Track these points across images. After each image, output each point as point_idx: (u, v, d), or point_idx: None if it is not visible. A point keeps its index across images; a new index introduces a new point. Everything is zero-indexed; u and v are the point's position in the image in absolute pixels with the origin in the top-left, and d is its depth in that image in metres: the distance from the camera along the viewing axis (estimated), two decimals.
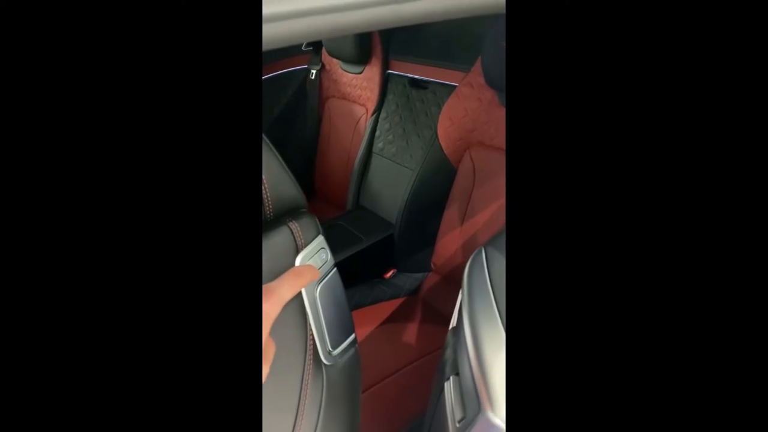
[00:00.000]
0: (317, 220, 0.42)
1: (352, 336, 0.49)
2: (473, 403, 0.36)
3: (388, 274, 1.06)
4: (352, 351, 0.49)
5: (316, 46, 1.25)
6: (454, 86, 0.93)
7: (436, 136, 0.93)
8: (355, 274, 1.00)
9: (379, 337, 0.87)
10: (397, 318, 0.94)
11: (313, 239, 0.41)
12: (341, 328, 0.46)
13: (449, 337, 0.46)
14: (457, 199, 0.95)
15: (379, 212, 1.12)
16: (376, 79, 1.10)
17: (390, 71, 1.09)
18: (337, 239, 1.03)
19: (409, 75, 1.05)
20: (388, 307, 0.97)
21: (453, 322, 0.47)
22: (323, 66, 1.25)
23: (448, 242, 0.98)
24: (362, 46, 1.07)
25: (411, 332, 0.89)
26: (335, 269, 0.45)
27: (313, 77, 1.27)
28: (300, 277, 0.33)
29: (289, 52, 1.29)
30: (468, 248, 0.94)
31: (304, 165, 1.35)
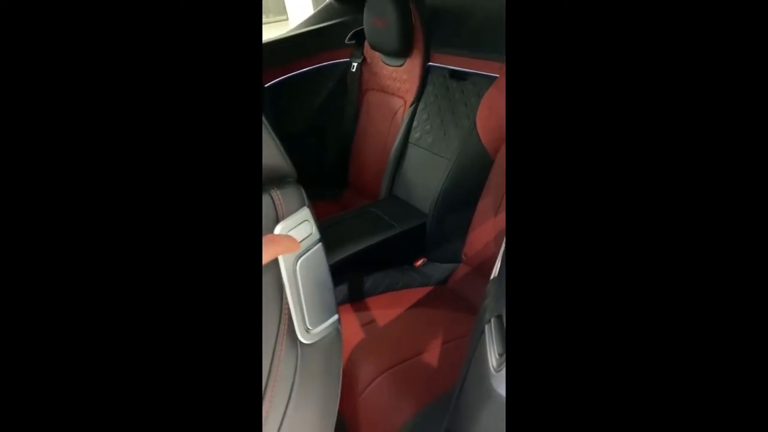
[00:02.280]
0: (303, 191, 0.41)
1: (335, 317, 0.47)
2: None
3: (419, 263, 1.07)
4: (332, 332, 0.47)
5: (359, 39, 1.29)
6: (495, 77, 0.94)
7: (475, 126, 0.93)
8: (386, 260, 1.01)
9: (407, 320, 0.88)
10: (425, 304, 0.94)
11: (297, 210, 0.40)
12: (322, 306, 0.44)
13: (490, 286, 0.46)
14: (492, 190, 0.95)
15: (412, 201, 1.13)
16: (417, 71, 1.12)
17: (430, 63, 1.11)
18: (369, 225, 1.05)
19: (449, 66, 1.06)
20: (417, 294, 0.97)
21: (495, 272, 0.47)
22: (364, 59, 1.28)
23: (480, 233, 0.98)
24: (404, 39, 1.09)
25: (439, 318, 0.89)
26: (320, 245, 0.43)
27: (354, 70, 1.30)
28: (274, 245, 0.31)
29: (332, 44, 1.33)
30: (501, 240, 0.93)
31: (340, 156, 1.38)
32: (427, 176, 1.09)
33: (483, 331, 0.40)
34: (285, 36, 1.37)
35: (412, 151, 1.15)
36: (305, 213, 0.41)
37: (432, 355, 0.78)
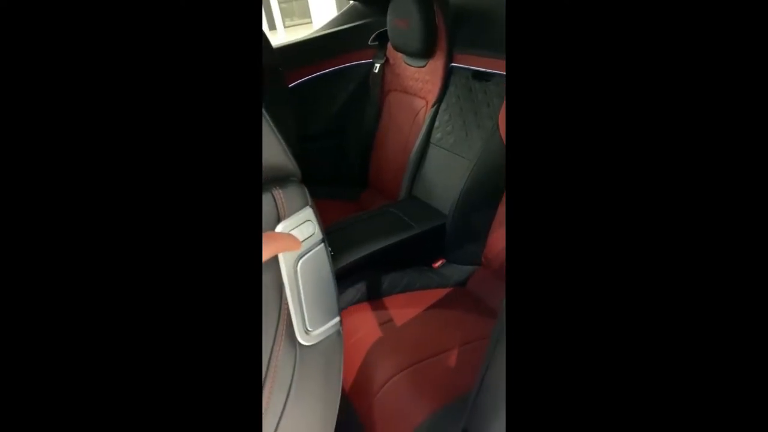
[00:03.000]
0: (307, 191, 0.41)
1: (336, 319, 0.46)
2: None
3: (437, 264, 1.06)
4: (333, 334, 0.46)
5: (382, 40, 1.30)
6: None
7: (497, 127, 0.93)
8: (404, 260, 1.01)
9: (425, 320, 0.87)
10: (443, 305, 0.93)
11: (299, 210, 0.40)
12: (324, 308, 0.44)
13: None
14: None
15: (432, 202, 1.13)
16: (439, 72, 1.12)
17: (453, 64, 1.11)
18: (387, 225, 1.05)
19: (472, 67, 1.06)
20: (435, 295, 0.97)
21: None
22: (387, 60, 1.29)
23: (501, 235, 0.97)
24: (427, 39, 1.09)
25: (457, 319, 0.88)
26: (322, 245, 0.42)
27: (376, 71, 1.31)
28: (275, 242, 0.31)
29: (355, 46, 1.34)
30: None
31: (361, 157, 1.39)
32: (447, 177, 1.08)
33: (502, 333, 0.40)
34: (308, 37, 1.39)
35: (433, 152, 1.14)
36: (308, 213, 0.41)
37: (450, 356, 0.78)
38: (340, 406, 0.83)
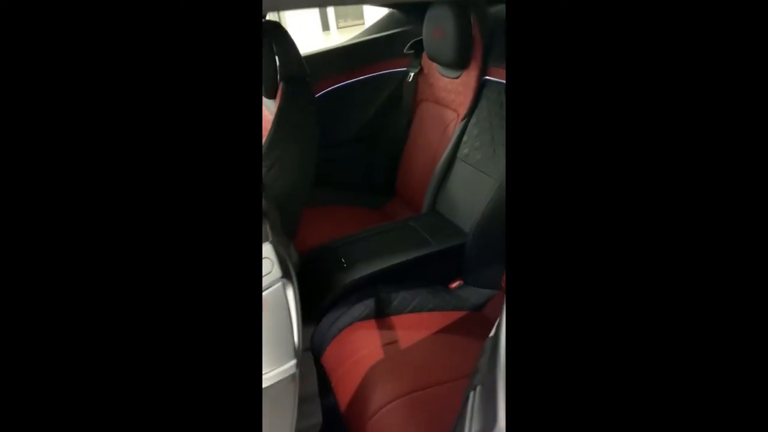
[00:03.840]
0: (269, 227, 0.39)
1: (291, 363, 0.43)
2: (490, 414, 0.32)
3: (454, 285, 1.02)
4: (285, 379, 0.43)
5: (418, 49, 1.27)
6: None
7: None
8: (419, 278, 0.98)
9: (433, 345, 0.84)
10: (455, 330, 0.89)
11: None
12: (277, 349, 0.41)
13: (487, 344, 0.42)
14: None
15: (454, 219, 1.08)
16: (472, 84, 1.07)
17: (487, 77, 1.06)
18: (404, 239, 1.02)
19: (505, 82, 1.00)
20: (447, 317, 0.93)
21: (493, 330, 0.42)
22: (421, 69, 1.26)
23: None
24: (462, 50, 1.05)
25: (466, 347, 0.84)
26: (280, 284, 0.40)
27: (410, 79, 1.29)
28: None
29: (390, 54, 1.32)
30: None
31: (389, 166, 1.37)
32: (471, 194, 1.04)
33: (468, 398, 0.36)
34: (344, 44, 1.39)
35: (459, 167, 1.10)
36: (267, 249, 0.40)
37: (455, 387, 0.74)
38: (333, 423, 0.81)
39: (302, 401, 0.94)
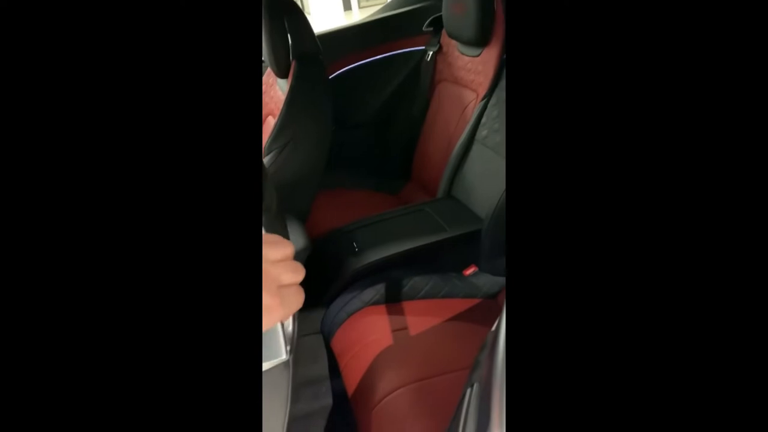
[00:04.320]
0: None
1: (283, 351, 0.41)
2: (484, 415, 0.31)
3: (468, 271, 1.00)
4: (279, 369, 0.42)
5: (437, 26, 1.22)
6: None
7: None
8: (432, 264, 0.96)
9: (444, 332, 0.82)
10: (467, 317, 0.87)
11: None
12: (268, 339, 0.40)
13: (488, 338, 0.40)
14: None
15: (470, 205, 1.05)
16: (493, 62, 1.02)
17: None
18: (418, 225, 0.99)
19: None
20: (460, 305, 0.91)
21: (495, 325, 0.40)
22: (440, 47, 1.21)
23: None
24: (484, 26, 1.00)
25: (476, 335, 0.82)
26: None
27: (429, 59, 1.24)
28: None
29: (408, 32, 1.28)
30: None
31: (405, 149, 1.33)
32: (489, 180, 1.00)
33: (464, 395, 0.35)
34: (359, 23, 1.34)
35: (477, 150, 1.06)
36: None
37: (461, 377, 0.72)
38: (342, 406, 0.81)
39: (312, 383, 0.95)
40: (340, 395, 0.90)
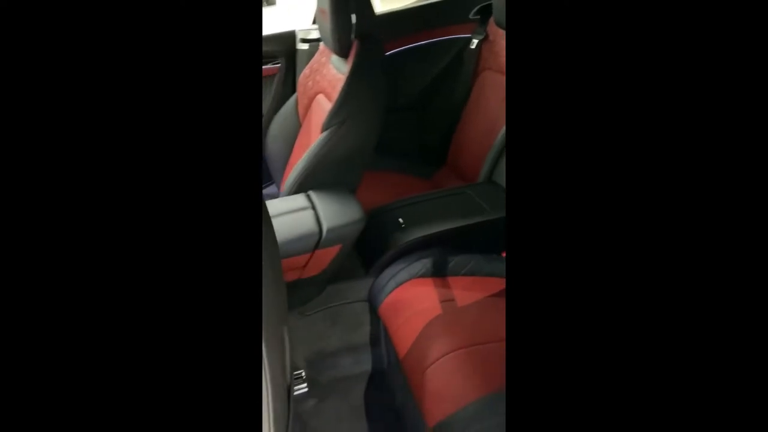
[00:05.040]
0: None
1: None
2: None
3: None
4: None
5: (484, 15, 1.24)
6: None
7: None
8: (472, 245, 1.00)
9: (488, 305, 0.87)
10: (503, 294, 0.92)
11: None
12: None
13: None
14: None
15: None
16: None
17: None
18: (461, 206, 1.04)
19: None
20: (500, 283, 0.95)
21: None
22: (486, 36, 1.23)
23: None
24: None
25: None
26: None
27: (473, 47, 1.26)
28: None
29: (455, 18, 1.30)
30: None
31: (442, 134, 1.36)
32: None
33: None
34: (407, 7, 1.37)
35: None
36: None
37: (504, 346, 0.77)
38: (393, 370, 0.86)
39: (353, 350, 1.00)
40: (380, 361, 0.95)
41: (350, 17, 0.93)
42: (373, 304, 0.94)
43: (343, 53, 0.96)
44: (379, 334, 0.96)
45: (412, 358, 0.78)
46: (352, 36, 0.95)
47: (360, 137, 0.98)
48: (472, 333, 0.79)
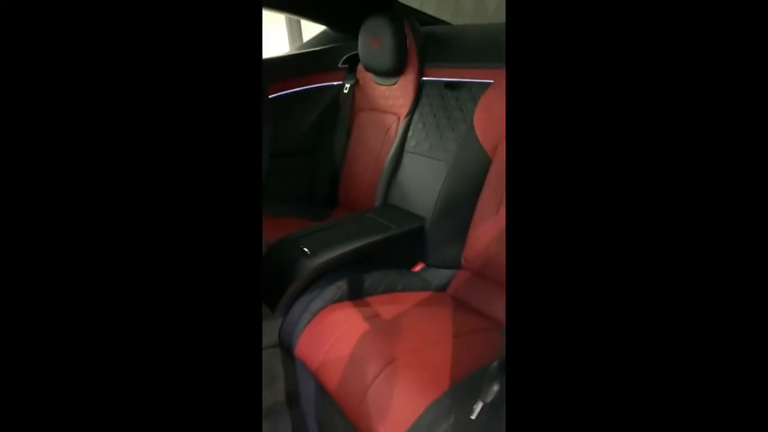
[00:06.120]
0: None
1: None
2: None
3: (417, 268, 1.02)
4: None
5: (352, 62, 1.34)
6: (490, 83, 0.98)
7: (472, 126, 0.96)
8: (383, 262, 0.96)
9: (413, 316, 0.81)
10: (428, 304, 0.88)
11: None
12: None
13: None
14: (491, 189, 0.95)
15: (409, 207, 1.11)
16: (411, 86, 1.16)
17: (424, 78, 1.16)
18: (363, 227, 1.01)
19: (444, 79, 1.11)
20: (417, 297, 0.92)
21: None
22: (357, 81, 1.32)
23: (481, 233, 0.96)
24: (400, 56, 1.14)
25: (445, 315, 0.83)
26: None
27: (346, 91, 1.34)
28: None
29: (324, 67, 1.38)
30: (502, 240, 0.91)
31: (330, 177, 1.36)
32: (424, 181, 1.08)
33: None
34: (277, 56, 1.41)
35: (408, 160, 1.15)
36: None
37: (444, 347, 0.72)
38: (326, 409, 0.72)
39: (269, 414, 0.82)
40: (302, 421, 0.79)
41: None
42: (286, 346, 0.80)
43: None
44: (298, 388, 0.81)
45: (346, 386, 0.67)
46: None
47: None
48: (405, 342, 0.72)
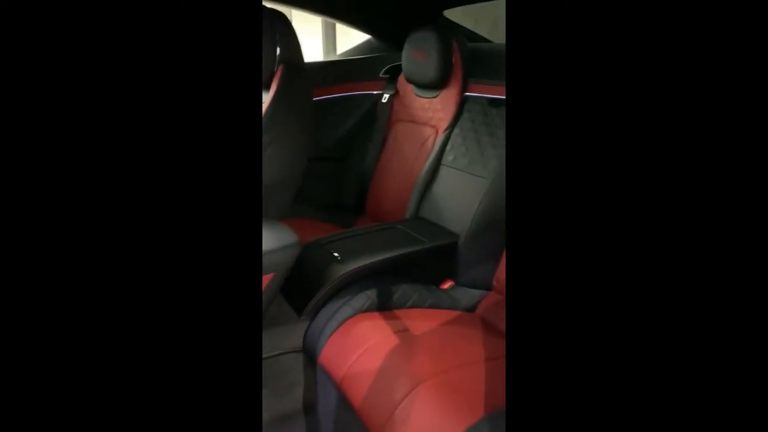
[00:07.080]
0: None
1: None
2: None
3: (446, 285, 0.99)
4: None
5: (393, 73, 1.34)
6: None
7: None
8: (411, 276, 0.93)
9: (444, 333, 0.78)
10: (457, 323, 0.85)
11: None
12: None
13: None
14: None
15: (441, 222, 1.08)
16: (453, 100, 1.14)
17: (467, 93, 1.14)
18: (394, 238, 0.98)
19: (487, 95, 1.09)
20: (445, 315, 0.88)
21: None
22: (397, 91, 1.32)
23: None
24: (444, 70, 1.13)
25: (475, 337, 0.79)
26: None
27: (385, 101, 1.33)
28: None
29: (367, 75, 1.38)
30: None
31: (360, 184, 1.35)
32: (460, 197, 1.06)
33: None
34: (321, 61, 1.42)
35: (444, 173, 1.13)
36: None
37: (479, 368, 0.68)
38: (346, 422, 0.68)
39: (284, 420, 0.79)
40: (317, 426, 0.76)
41: (275, 48, 0.90)
42: (310, 353, 0.77)
43: (265, 85, 0.91)
44: (317, 397, 0.78)
45: (373, 403, 0.63)
46: (276, 63, 0.91)
47: (284, 165, 0.89)
48: (438, 360, 0.68)
